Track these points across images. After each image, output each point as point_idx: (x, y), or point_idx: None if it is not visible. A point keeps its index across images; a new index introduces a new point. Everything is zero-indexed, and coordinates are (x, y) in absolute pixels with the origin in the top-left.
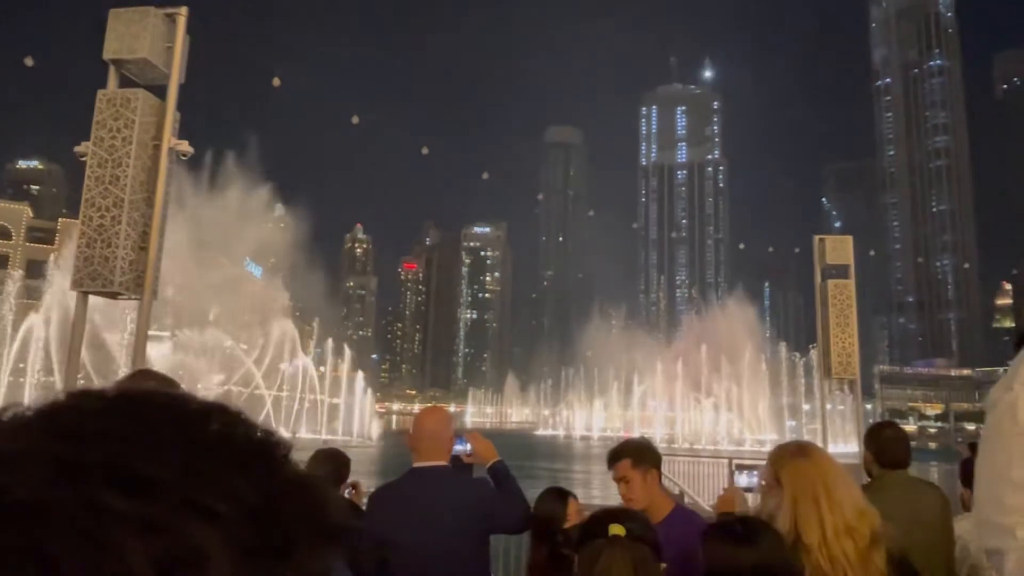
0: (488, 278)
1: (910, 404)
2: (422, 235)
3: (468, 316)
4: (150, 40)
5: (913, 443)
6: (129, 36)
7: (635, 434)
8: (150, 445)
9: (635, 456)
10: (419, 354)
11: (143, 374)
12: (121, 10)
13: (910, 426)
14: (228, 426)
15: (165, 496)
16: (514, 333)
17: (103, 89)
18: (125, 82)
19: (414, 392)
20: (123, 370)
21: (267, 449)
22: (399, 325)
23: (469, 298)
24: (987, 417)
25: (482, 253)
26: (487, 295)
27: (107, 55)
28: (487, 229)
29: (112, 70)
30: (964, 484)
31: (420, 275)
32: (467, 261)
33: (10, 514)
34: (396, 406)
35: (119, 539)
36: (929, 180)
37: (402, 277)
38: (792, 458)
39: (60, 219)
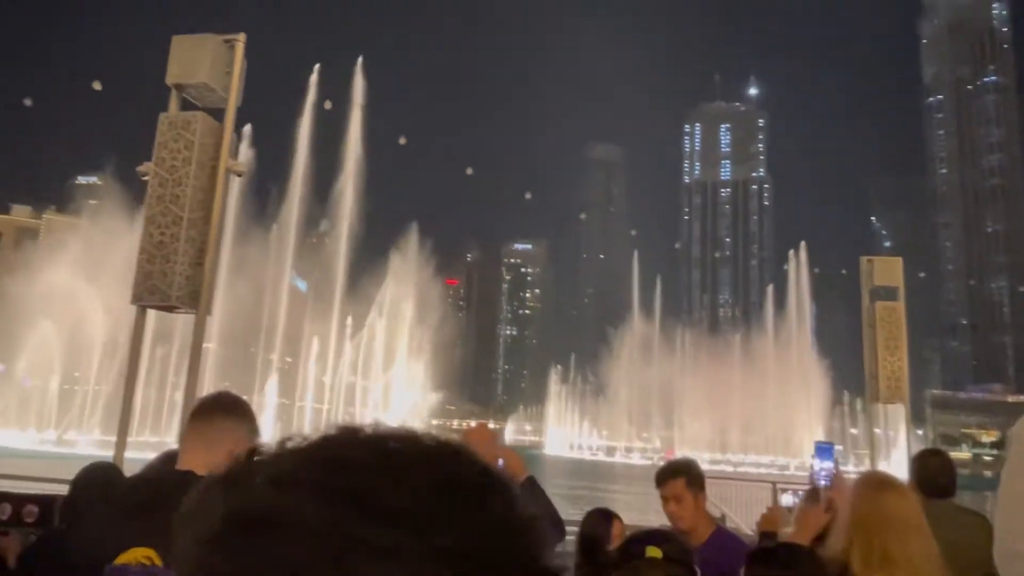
0: (528, 295)
1: (963, 430)
2: (463, 251)
3: (508, 332)
4: (210, 65)
5: (967, 471)
6: (190, 62)
7: (677, 455)
8: (397, 478)
9: (689, 475)
10: (459, 370)
11: (222, 396)
12: (183, 37)
13: (964, 453)
14: (461, 464)
15: (406, 527)
16: (554, 350)
17: (165, 112)
18: (184, 104)
19: (453, 408)
20: (173, 379)
21: (492, 489)
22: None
23: (509, 314)
24: (1009, 449)
25: (523, 270)
26: (527, 312)
27: (170, 80)
28: (528, 246)
29: (174, 94)
30: None
31: (461, 291)
32: (508, 277)
33: (271, 526)
34: (436, 421)
35: (360, 562)
36: (983, 199)
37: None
38: (868, 488)
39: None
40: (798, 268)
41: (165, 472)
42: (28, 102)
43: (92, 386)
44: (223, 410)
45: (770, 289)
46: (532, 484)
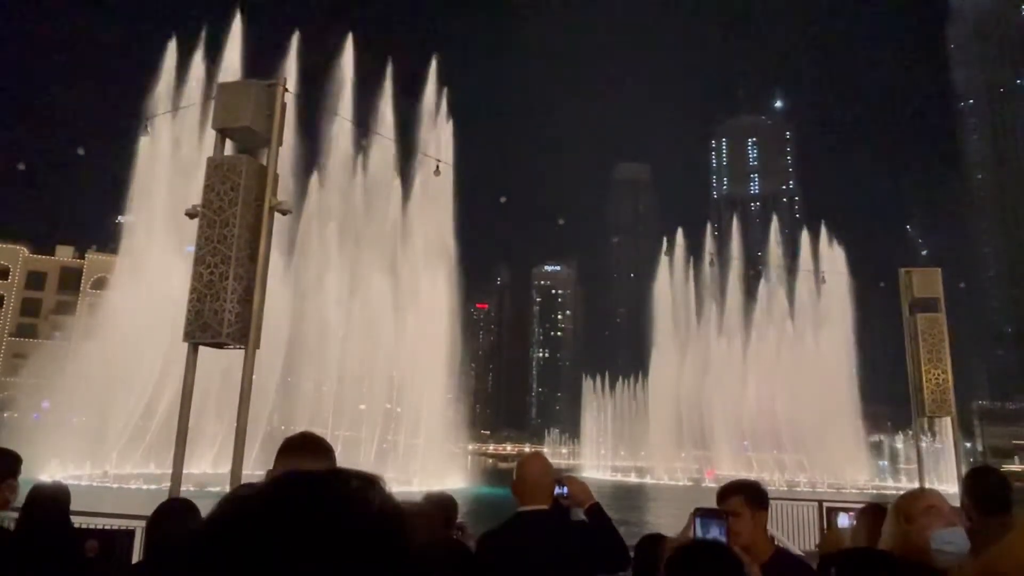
0: (560, 316)
1: (1015, 442)
2: (493, 275)
3: (541, 355)
4: (253, 110)
5: (1021, 484)
6: (234, 107)
7: (714, 476)
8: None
9: (749, 493)
10: (492, 394)
11: (308, 435)
12: (228, 83)
13: (1016, 466)
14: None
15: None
16: (588, 371)
17: (211, 156)
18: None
19: (488, 432)
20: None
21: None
22: (472, 364)
23: (541, 337)
24: None
25: (553, 291)
26: (559, 333)
27: (215, 124)
28: (558, 267)
29: (218, 138)
30: None
31: (492, 314)
32: (538, 300)
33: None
34: (470, 446)
35: None
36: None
37: (474, 317)
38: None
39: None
40: (836, 280)
41: None
42: (81, 151)
43: (136, 420)
44: (312, 449)
45: (807, 302)
46: (599, 511)
